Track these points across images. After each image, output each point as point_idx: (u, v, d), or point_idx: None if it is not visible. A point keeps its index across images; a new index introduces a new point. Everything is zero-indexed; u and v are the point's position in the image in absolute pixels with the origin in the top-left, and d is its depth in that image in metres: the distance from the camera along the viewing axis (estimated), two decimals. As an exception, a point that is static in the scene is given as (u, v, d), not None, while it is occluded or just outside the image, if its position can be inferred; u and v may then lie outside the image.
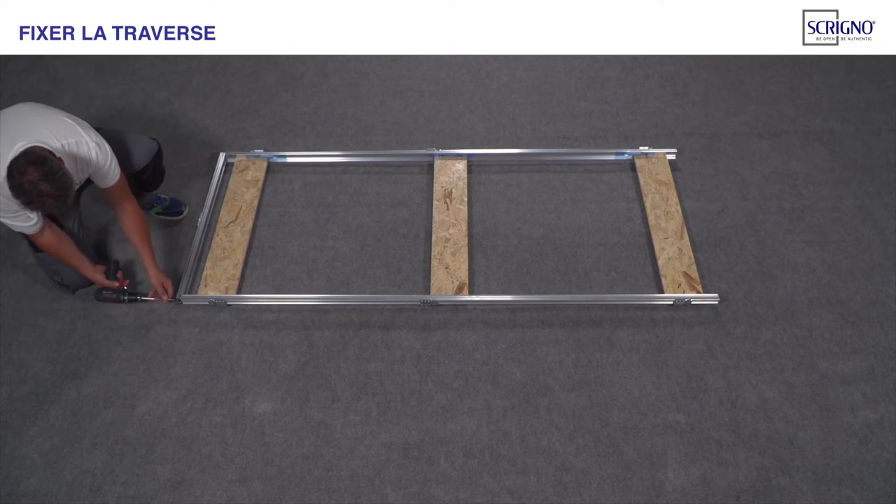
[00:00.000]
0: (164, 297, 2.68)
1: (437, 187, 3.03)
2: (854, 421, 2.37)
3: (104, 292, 2.68)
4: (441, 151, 3.15)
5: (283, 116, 3.41)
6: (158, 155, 2.76)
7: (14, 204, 2.22)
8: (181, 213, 3.00)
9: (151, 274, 2.66)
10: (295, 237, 2.92)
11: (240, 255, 2.83)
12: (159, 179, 2.86)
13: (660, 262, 2.75)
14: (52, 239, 2.47)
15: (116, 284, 2.68)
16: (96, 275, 2.63)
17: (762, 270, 2.76)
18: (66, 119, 2.37)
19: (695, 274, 2.71)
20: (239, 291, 2.74)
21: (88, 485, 2.27)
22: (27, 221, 2.36)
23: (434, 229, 2.87)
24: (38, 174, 2.12)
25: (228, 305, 2.69)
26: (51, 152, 2.22)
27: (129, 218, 2.59)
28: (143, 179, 2.75)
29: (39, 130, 2.28)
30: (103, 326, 2.65)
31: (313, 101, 3.48)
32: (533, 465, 2.29)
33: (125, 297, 2.68)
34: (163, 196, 2.98)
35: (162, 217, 2.97)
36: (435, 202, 2.98)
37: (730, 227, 2.90)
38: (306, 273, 2.80)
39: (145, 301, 2.71)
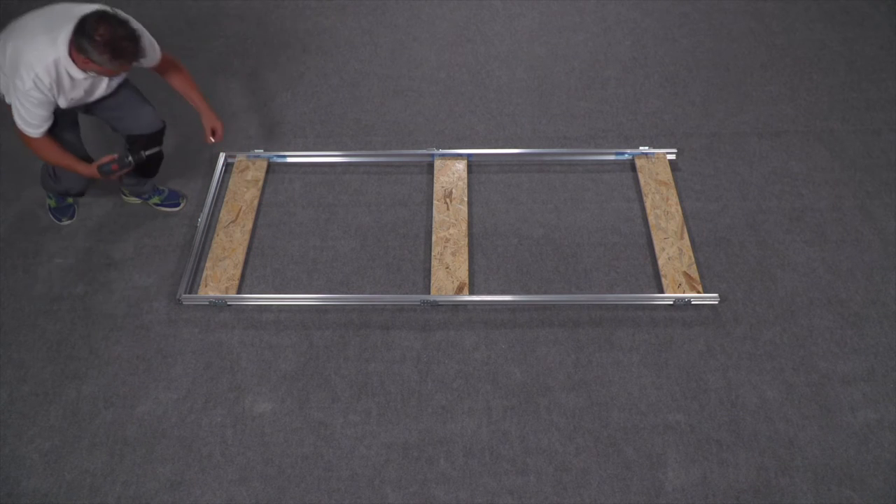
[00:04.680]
0: (211, 140, 2.78)
1: (437, 187, 3.03)
2: (854, 421, 2.37)
3: (107, 167, 2.56)
4: (441, 151, 3.15)
5: (283, 116, 3.41)
6: (160, 133, 2.73)
7: (45, 109, 2.36)
8: (179, 204, 3.02)
9: (204, 116, 2.75)
10: (295, 237, 2.92)
11: (240, 255, 2.83)
12: (157, 163, 2.83)
13: (660, 262, 2.75)
14: (46, 140, 2.46)
15: (114, 156, 2.58)
16: (91, 167, 2.57)
17: (762, 270, 2.76)
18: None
19: (695, 274, 2.71)
20: (239, 291, 2.74)
21: (88, 485, 2.27)
22: (40, 123, 2.39)
23: (434, 229, 2.87)
24: (109, 26, 2.22)
25: (228, 305, 2.69)
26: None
27: (176, 79, 2.70)
28: (142, 161, 2.71)
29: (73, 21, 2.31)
30: (103, 326, 2.65)
31: (313, 101, 3.48)
32: (533, 465, 2.29)
33: (129, 160, 2.59)
34: (161, 188, 3.01)
35: (160, 208, 3.00)
36: (435, 202, 2.98)
37: (730, 227, 2.90)
38: (306, 273, 2.80)
39: (151, 154, 2.65)
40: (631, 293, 2.70)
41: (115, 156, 2.58)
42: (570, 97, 3.47)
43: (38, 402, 2.46)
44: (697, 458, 2.30)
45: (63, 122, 2.55)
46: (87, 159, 2.66)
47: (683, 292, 2.66)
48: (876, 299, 2.67)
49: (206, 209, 2.96)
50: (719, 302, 2.66)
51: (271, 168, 3.17)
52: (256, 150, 3.19)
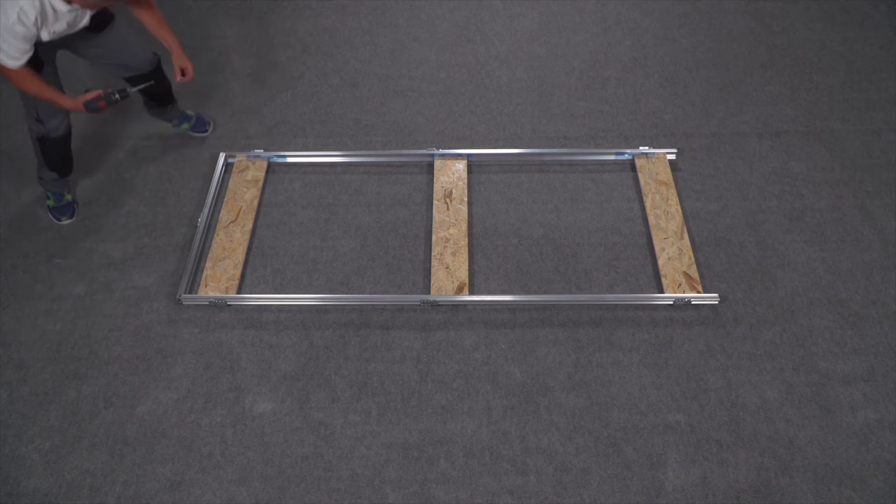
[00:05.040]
0: (181, 79, 2.85)
1: (437, 187, 3.03)
2: (854, 421, 2.37)
3: (94, 104, 2.60)
4: (441, 151, 3.15)
5: (283, 116, 3.41)
6: (157, 70, 2.87)
7: (27, 42, 2.37)
8: (206, 129, 3.27)
9: (175, 55, 2.82)
10: (295, 237, 2.92)
11: (240, 255, 2.83)
12: (168, 91, 3.03)
13: (660, 262, 2.75)
14: (26, 72, 2.46)
15: (100, 92, 2.61)
16: (76, 101, 2.60)
17: (762, 270, 2.76)
18: None
19: (695, 274, 2.71)
20: (239, 291, 2.74)
21: (88, 485, 2.27)
22: (19, 56, 2.39)
23: (434, 229, 2.87)
24: None
25: (228, 305, 2.69)
26: None
27: (146, 15, 2.72)
28: (151, 92, 2.91)
29: None
30: (103, 326, 2.65)
31: (313, 101, 3.48)
32: (533, 465, 2.29)
33: (116, 96, 2.63)
34: (189, 113, 3.23)
35: (191, 133, 3.26)
36: (435, 202, 2.98)
37: (730, 227, 2.90)
38: (306, 273, 2.80)
39: (140, 89, 2.77)
40: (631, 293, 2.70)
41: (102, 91, 2.61)
42: (570, 97, 3.47)
43: (38, 402, 2.46)
44: (697, 458, 2.30)
45: (44, 57, 2.58)
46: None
47: (683, 292, 2.66)
48: (876, 299, 2.67)
49: (206, 209, 2.96)
50: (719, 302, 2.66)
51: (271, 168, 3.18)
52: (256, 150, 3.19)
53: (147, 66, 2.81)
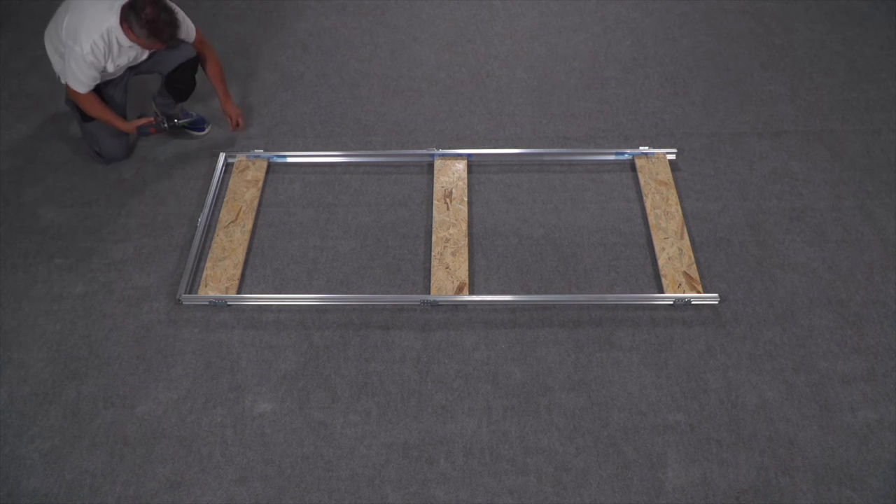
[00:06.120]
0: (235, 128, 3.18)
1: (437, 187, 3.03)
2: (854, 421, 2.37)
3: (146, 129, 3.00)
4: (441, 151, 3.15)
5: (283, 116, 3.41)
6: (193, 61, 3.04)
7: (95, 70, 2.75)
8: (204, 129, 3.32)
9: (226, 106, 3.14)
10: (295, 237, 2.92)
11: (240, 255, 2.83)
12: (189, 89, 3.15)
13: (660, 262, 2.75)
14: (91, 96, 2.84)
15: (152, 119, 3.02)
16: (130, 124, 2.99)
17: (762, 270, 2.76)
18: None
19: (695, 274, 2.71)
20: (239, 291, 2.74)
21: (88, 485, 2.27)
22: (89, 82, 2.77)
23: (434, 229, 2.87)
24: (156, 9, 2.61)
25: (228, 305, 2.69)
26: None
27: (209, 64, 3.07)
28: (174, 87, 3.10)
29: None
30: (103, 326, 2.65)
31: (313, 101, 3.48)
32: (533, 465, 2.29)
33: (166, 125, 3.03)
34: (191, 112, 3.29)
35: (187, 130, 3.31)
36: (435, 202, 2.98)
37: (730, 227, 2.90)
38: (306, 273, 2.80)
39: (187, 121, 3.16)
40: (631, 293, 2.70)
41: (153, 119, 3.04)
42: (570, 97, 3.47)
43: (38, 402, 2.46)
44: (697, 458, 2.30)
45: (115, 82, 2.97)
46: (124, 116, 3.07)
47: (683, 292, 2.66)
48: (876, 299, 2.67)
49: (206, 209, 2.96)
50: (719, 302, 2.66)
51: (271, 168, 3.18)
52: (256, 150, 3.19)
53: (187, 56, 2.99)
